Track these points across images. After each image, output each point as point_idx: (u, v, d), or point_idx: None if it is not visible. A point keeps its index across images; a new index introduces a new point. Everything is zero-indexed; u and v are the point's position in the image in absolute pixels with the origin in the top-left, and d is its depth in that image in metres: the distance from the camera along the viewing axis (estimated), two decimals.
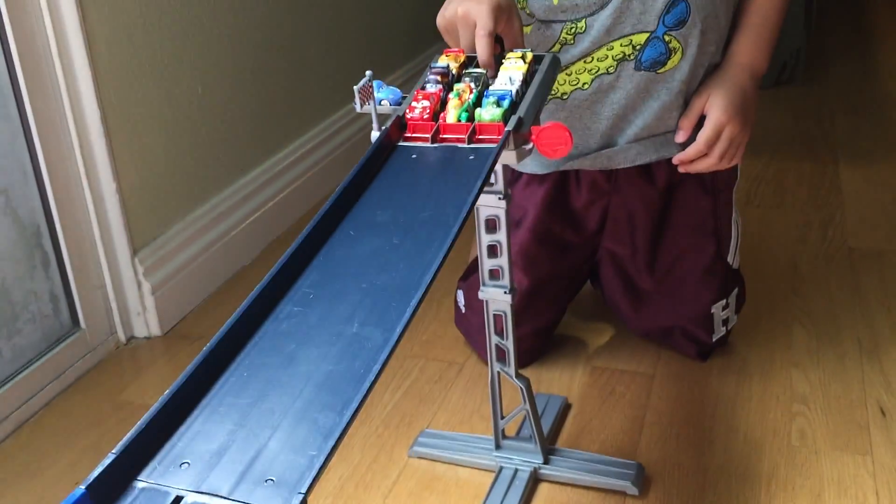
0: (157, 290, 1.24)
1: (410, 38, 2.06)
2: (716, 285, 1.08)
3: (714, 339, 1.10)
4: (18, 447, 1.04)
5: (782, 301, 1.22)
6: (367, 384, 0.50)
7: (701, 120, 1.00)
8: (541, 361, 1.13)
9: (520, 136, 0.73)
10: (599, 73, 0.99)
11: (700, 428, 0.98)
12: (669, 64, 0.99)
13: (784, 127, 1.85)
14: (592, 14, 0.97)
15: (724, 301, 1.09)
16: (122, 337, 1.24)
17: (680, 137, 1.01)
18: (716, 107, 0.98)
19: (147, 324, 1.25)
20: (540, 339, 1.13)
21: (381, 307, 0.57)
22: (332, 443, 0.46)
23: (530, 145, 0.74)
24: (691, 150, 0.99)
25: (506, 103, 0.75)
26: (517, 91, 0.77)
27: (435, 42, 2.16)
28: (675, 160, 1.01)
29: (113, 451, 0.46)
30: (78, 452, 1.03)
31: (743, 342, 1.13)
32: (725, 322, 1.10)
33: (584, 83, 1.00)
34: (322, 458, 0.45)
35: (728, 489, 0.89)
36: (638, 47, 0.98)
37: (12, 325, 1.10)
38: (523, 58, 0.81)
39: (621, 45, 0.98)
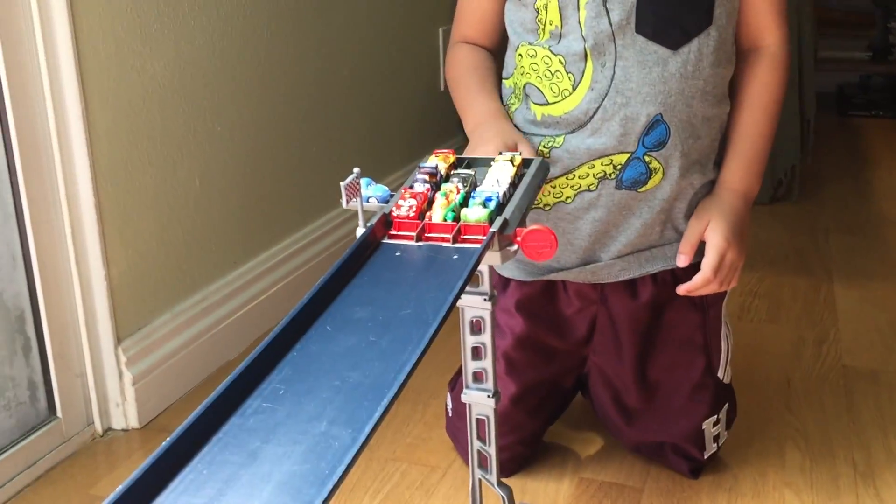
0: (138, 381, 1.22)
1: (412, 140, 2.09)
2: (706, 402, 1.06)
3: (706, 457, 1.07)
4: None
5: (775, 418, 1.20)
6: (330, 486, 0.48)
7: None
8: (527, 470, 1.10)
9: (505, 238, 0.73)
10: (581, 189, 1.00)
11: None
12: (650, 183, 1.00)
13: (779, 242, 1.86)
14: (572, 132, 0.99)
15: (716, 417, 1.06)
16: (98, 428, 1.21)
17: (682, 262, 1.01)
18: (717, 233, 0.99)
19: (125, 415, 1.22)
20: (525, 448, 1.10)
21: (353, 406, 0.56)
22: None
23: (515, 247, 0.73)
24: (699, 280, 0.99)
25: (492, 205, 0.75)
26: (504, 193, 0.77)
27: (434, 144, 2.19)
28: (680, 290, 1.01)
29: None
30: None
31: (735, 459, 1.10)
32: (716, 438, 1.07)
33: (567, 197, 1.01)
34: None
35: None
36: (619, 167, 0.99)
37: None
38: (512, 160, 0.81)
39: (602, 164, 0.99)
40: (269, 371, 0.60)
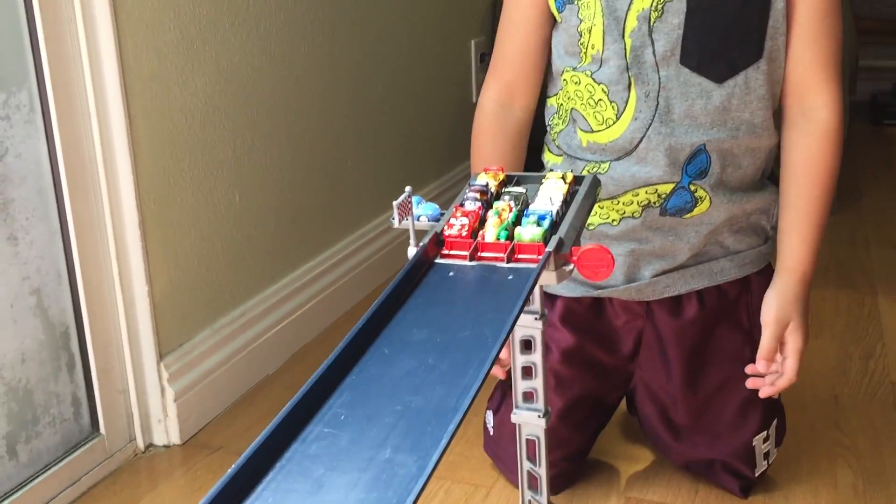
0: (179, 397, 1.22)
1: (444, 153, 2.09)
2: (756, 417, 1.04)
3: (756, 474, 1.05)
4: None
5: (824, 436, 1.17)
6: None
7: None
8: (572, 489, 1.08)
9: (560, 257, 0.72)
10: (625, 215, 0.99)
11: None
12: (696, 211, 0.98)
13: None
14: (618, 159, 0.98)
15: (766, 433, 1.05)
16: (140, 444, 1.21)
17: (762, 368, 0.98)
18: (797, 337, 0.97)
19: (167, 431, 1.22)
20: (572, 464, 1.09)
21: (416, 432, 0.55)
22: None
23: (571, 266, 0.72)
24: (783, 384, 0.97)
25: (546, 223, 0.74)
26: (557, 211, 0.76)
27: (464, 159, 2.19)
28: (762, 394, 0.99)
29: None
30: None
31: (785, 478, 1.08)
32: (767, 455, 1.05)
33: (613, 220, 1.00)
34: None
35: None
36: (663, 195, 0.97)
37: (31, 428, 1.08)
38: (563, 178, 0.80)
39: (646, 193, 0.98)
40: (329, 395, 0.59)
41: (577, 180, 0.81)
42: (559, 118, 1.04)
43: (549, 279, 0.72)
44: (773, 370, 0.98)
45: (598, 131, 0.98)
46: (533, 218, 0.74)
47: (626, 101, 0.96)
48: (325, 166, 1.59)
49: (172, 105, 1.20)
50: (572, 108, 1.00)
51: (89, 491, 1.13)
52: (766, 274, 1.03)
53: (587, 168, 1.00)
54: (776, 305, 0.97)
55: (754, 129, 0.97)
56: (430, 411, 0.57)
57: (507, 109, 1.05)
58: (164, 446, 1.22)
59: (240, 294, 1.38)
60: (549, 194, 0.78)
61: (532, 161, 1.10)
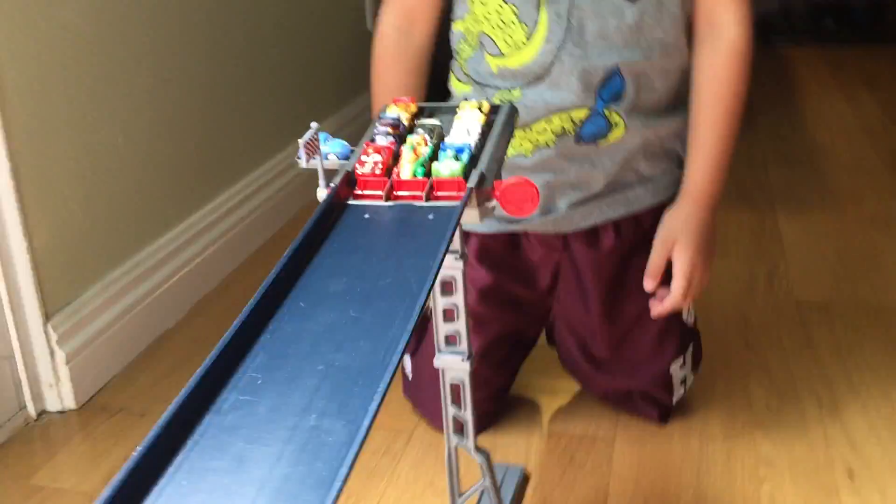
0: (72, 359, 1.13)
1: (342, 85, 2.00)
2: (673, 344, 1.04)
3: (674, 401, 1.05)
4: None
5: (736, 356, 1.19)
6: (335, 492, 0.42)
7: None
8: (495, 427, 1.06)
9: (482, 193, 0.67)
10: (539, 144, 0.95)
11: (667, 498, 0.93)
12: (611, 137, 0.95)
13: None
14: (530, 84, 0.93)
15: (682, 359, 1.05)
16: (32, 412, 1.12)
17: (649, 286, 0.97)
18: (684, 257, 0.95)
19: (61, 396, 1.13)
20: (493, 404, 1.07)
21: (343, 393, 0.50)
22: None
23: (493, 202, 0.68)
24: (668, 306, 0.96)
25: (465, 157, 0.69)
26: (476, 143, 0.71)
27: (364, 90, 2.10)
28: (653, 314, 0.98)
29: None
30: None
31: (701, 401, 1.09)
32: (683, 381, 1.06)
33: (527, 150, 0.96)
34: None
35: None
36: (578, 122, 0.94)
37: None
38: (480, 107, 0.75)
39: (560, 120, 0.94)
40: (242, 358, 0.53)
41: (494, 109, 0.77)
42: (466, 44, 0.98)
43: (471, 217, 0.68)
44: (682, 304, 0.97)
45: (509, 55, 0.94)
46: (451, 152, 0.69)
47: (537, 22, 0.91)
48: (217, 103, 1.49)
49: (39, 41, 1.08)
50: (480, 32, 0.95)
51: None
52: None
53: (498, 96, 0.95)
54: (664, 224, 0.97)
55: (667, 49, 0.94)
56: (357, 369, 0.52)
57: (406, 35, 1.00)
58: (59, 412, 1.14)
59: (131, 245, 1.28)
60: (466, 126, 0.73)
61: (435, 90, 1.05)
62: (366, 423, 0.46)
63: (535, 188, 0.66)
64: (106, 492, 0.42)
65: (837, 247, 1.50)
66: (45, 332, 1.11)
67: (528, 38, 0.92)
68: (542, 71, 0.93)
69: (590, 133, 0.95)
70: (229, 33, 1.52)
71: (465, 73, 0.99)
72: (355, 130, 2.00)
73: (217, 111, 1.49)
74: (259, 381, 0.52)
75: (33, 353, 1.11)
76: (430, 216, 0.66)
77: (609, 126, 0.95)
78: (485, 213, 0.68)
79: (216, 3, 1.47)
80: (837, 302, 1.32)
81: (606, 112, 0.94)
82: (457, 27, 1.00)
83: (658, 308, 0.97)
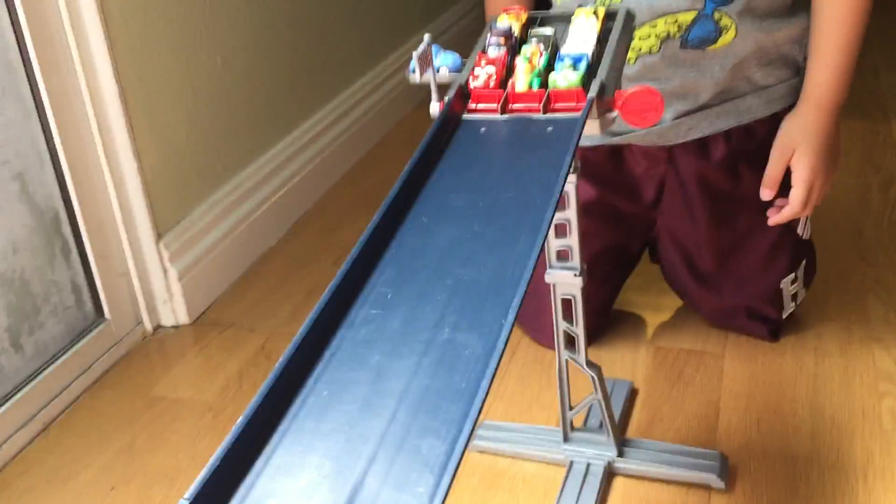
0: (183, 276, 1.17)
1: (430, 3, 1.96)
2: (785, 259, 1.00)
3: (784, 316, 1.02)
4: (46, 450, 0.98)
5: (851, 270, 1.15)
6: (477, 404, 0.43)
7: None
8: (599, 342, 1.06)
9: (603, 104, 0.65)
10: (642, 52, 0.91)
11: (782, 413, 0.91)
12: (720, 42, 0.90)
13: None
14: None
15: (794, 274, 1.01)
16: (148, 327, 1.17)
17: (766, 196, 0.93)
18: (803, 165, 0.91)
19: (174, 312, 1.18)
20: (598, 319, 1.06)
21: (474, 308, 0.50)
22: (446, 479, 0.39)
23: (615, 113, 0.66)
24: (788, 213, 0.93)
25: (582, 66, 0.66)
26: (593, 52, 0.69)
27: (451, 4, 2.06)
28: (770, 222, 0.95)
29: (185, 497, 0.38)
30: (111, 454, 0.96)
31: (815, 317, 1.06)
32: (795, 297, 1.03)
33: (629, 58, 0.92)
34: (435, 499, 0.38)
35: (822, 481, 0.82)
36: (684, 26, 0.89)
37: (34, 318, 1.03)
38: (595, 14, 0.72)
39: (665, 24, 0.89)
40: (370, 273, 0.54)
41: (610, 16, 0.73)
42: None
43: (592, 128, 0.65)
44: (801, 213, 0.94)
45: None
46: (568, 62, 0.67)
47: None
48: (309, 22, 1.48)
49: None
50: None
51: (101, 378, 1.09)
52: None
53: (599, 0, 0.91)
54: (782, 131, 0.93)
55: None
56: (485, 284, 0.52)
57: None
58: (174, 327, 1.18)
59: (232, 165, 1.30)
60: (582, 34, 0.71)
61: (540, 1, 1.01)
62: (503, 335, 0.46)
63: (660, 96, 0.64)
64: (254, 401, 0.43)
65: None
66: (158, 251, 1.14)
67: None
68: None
69: (697, 37, 0.90)
70: None
71: None
72: (454, 37, 1.97)
73: (309, 31, 1.48)
74: (389, 296, 0.52)
75: (147, 271, 1.15)
76: (549, 129, 0.64)
77: (718, 30, 0.90)
78: (605, 125, 0.65)
79: None
80: None
81: (716, 14, 0.89)
82: None
83: (776, 217, 0.94)
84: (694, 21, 0.90)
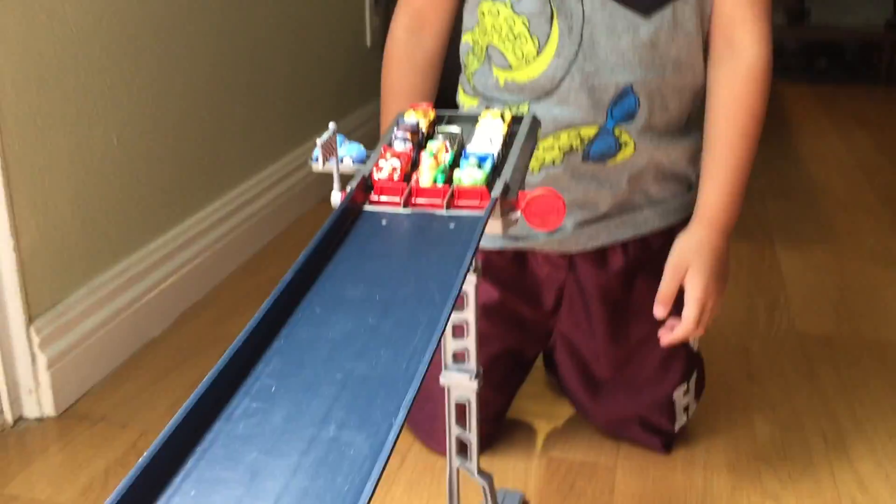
0: (53, 364, 1.09)
1: (339, 99, 1.98)
2: (678, 370, 1.01)
3: (677, 429, 1.02)
4: None
5: (738, 387, 1.17)
6: None
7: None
8: (492, 449, 1.03)
9: (506, 204, 0.64)
10: (546, 163, 0.93)
11: None
12: (620, 157, 0.93)
13: (737, 204, 1.84)
14: (536, 100, 0.91)
15: (686, 385, 1.02)
16: (9, 418, 1.07)
17: (659, 314, 0.93)
18: (696, 284, 0.91)
19: (40, 402, 1.09)
20: (490, 426, 1.03)
21: (363, 404, 0.47)
22: None
23: (517, 214, 0.65)
24: (680, 334, 0.92)
25: (487, 165, 0.66)
26: (499, 153, 0.69)
27: (359, 105, 2.08)
28: (663, 343, 0.94)
29: None
30: None
31: (705, 432, 1.06)
32: (686, 409, 1.03)
33: (533, 168, 0.93)
34: None
35: None
36: (587, 139, 0.91)
37: None
38: (502, 116, 0.73)
39: (569, 136, 0.92)
40: (255, 363, 0.50)
41: (516, 120, 0.74)
42: (474, 56, 0.96)
43: (493, 228, 0.64)
44: (694, 332, 0.95)
45: (517, 68, 0.91)
46: (473, 160, 0.67)
47: (548, 36, 0.89)
48: (212, 108, 1.46)
49: (39, 36, 1.05)
50: (488, 44, 0.93)
51: None
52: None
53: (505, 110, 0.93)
54: (676, 250, 0.94)
55: (682, 68, 0.92)
56: (377, 379, 0.49)
57: (416, 37, 0.99)
58: (37, 419, 1.09)
59: (120, 248, 1.24)
60: (488, 134, 0.71)
61: (444, 105, 1.02)
62: (391, 436, 0.43)
63: (562, 200, 0.64)
64: (112, 498, 0.38)
65: (837, 281, 1.49)
66: (28, 335, 1.07)
67: (538, 53, 0.90)
68: (551, 86, 0.90)
69: (598, 151, 0.93)
70: (230, 40, 1.49)
71: (473, 87, 0.97)
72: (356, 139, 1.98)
73: (213, 117, 1.46)
74: (273, 388, 0.48)
75: (13, 357, 1.07)
76: (452, 225, 0.63)
77: (618, 145, 0.93)
78: (508, 225, 0.65)
79: (217, 8, 1.44)
80: (839, 336, 1.30)
81: (616, 131, 0.92)
82: (465, 38, 0.98)
83: (668, 337, 0.94)
84: (595, 136, 0.92)
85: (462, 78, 1.00)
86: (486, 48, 0.94)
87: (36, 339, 1.07)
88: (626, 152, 0.93)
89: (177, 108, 1.35)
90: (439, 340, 0.50)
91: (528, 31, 0.90)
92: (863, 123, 2.49)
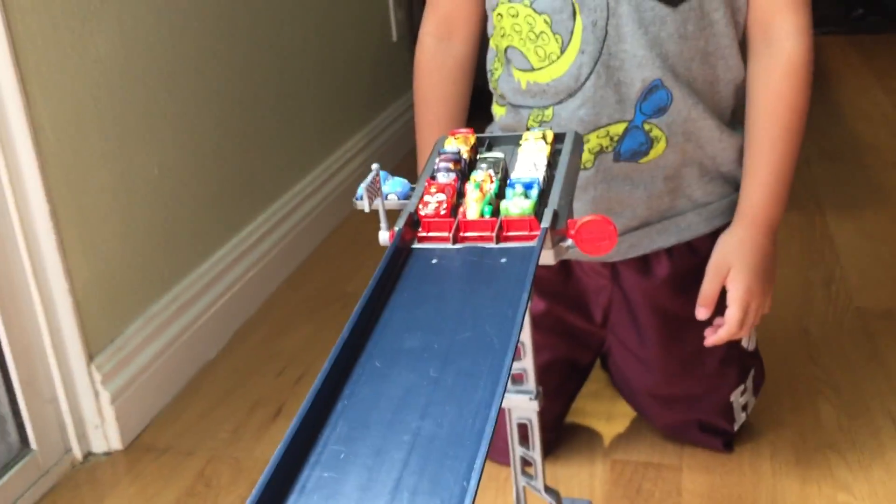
0: (116, 399, 1.11)
1: (369, 98, 1.97)
2: (734, 374, 0.99)
3: (736, 428, 1.01)
4: None
5: (800, 371, 1.15)
6: None
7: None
8: (554, 455, 1.03)
9: (556, 233, 0.63)
10: None
11: None
12: (652, 154, 0.90)
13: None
14: (560, 102, 0.88)
15: (743, 386, 1.00)
16: (78, 455, 1.10)
17: (701, 315, 0.91)
18: (739, 284, 0.89)
19: (106, 437, 1.11)
20: (549, 433, 1.03)
21: (434, 466, 0.47)
22: None
23: (569, 242, 0.64)
24: (724, 335, 0.90)
25: (534, 193, 0.65)
26: (544, 177, 0.68)
27: (391, 101, 2.07)
28: (707, 343, 0.92)
29: None
30: None
31: (768, 422, 1.05)
32: (745, 407, 1.01)
33: None
34: None
35: None
36: (615, 138, 0.88)
37: None
38: (544, 137, 0.72)
39: (598, 138, 0.89)
40: (321, 429, 0.50)
41: (559, 138, 0.73)
42: (498, 61, 0.94)
43: (546, 258, 0.64)
44: (737, 335, 0.92)
45: (540, 69, 0.88)
46: (519, 188, 0.66)
47: (572, 32, 0.86)
48: (247, 125, 1.46)
49: (73, 75, 1.06)
50: (508, 47, 0.90)
51: None
52: None
53: (532, 117, 0.91)
54: (717, 249, 0.91)
55: (712, 61, 0.89)
56: (445, 438, 0.48)
57: (445, 44, 0.97)
58: (105, 454, 1.11)
59: (170, 276, 1.26)
60: (532, 158, 0.70)
61: (481, 115, 1.01)
62: (466, 502, 0.43)
63: (613, 225, 0.62)
64: None
65: (893, 249, 1.45)
66: (89, 373, 1.09)
67: (561, 51, 0.87)
68: (575, 85, 0.87)
69: (629, 149, 0.89)
70: (259, 54, 1.49)
71: (500, 95, 0.95)
72: (385, 146, 1.97)
73: (249, 134, 1.47)
74: (342, 455, 0.48)
75: (77, 395, 1.09)
76: (503, 260, 0.62)
77: (649, 142, 0.89)
78: (560, 254, 0.64)
79: (245, 24, 1.44)
80: None
81: (646, 126, 0.89)
82: (491, 45, 0.96)
83: (713, 338, 0.92)
84: (625, 133, 0.89)
85: (492, 87, 0.99)
86: (506, 51, 0.92)
87: (98, 376, 1.09)
88: (659, 148, 0.90)
89: (213, 130, 1.36)
90: (504, 391, 0.50)
91: (551, 28, 0.87)
92: None
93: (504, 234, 0.64)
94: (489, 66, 0.97)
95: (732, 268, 0.90)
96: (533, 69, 0.89)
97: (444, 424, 0.49)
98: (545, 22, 0.87)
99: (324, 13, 1.74)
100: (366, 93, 1.96)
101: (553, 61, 0.88)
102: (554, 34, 0.87)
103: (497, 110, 0.98)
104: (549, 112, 0.89)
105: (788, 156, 0.90)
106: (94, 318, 1.10)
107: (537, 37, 0.88)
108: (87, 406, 1.09)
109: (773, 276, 0.93)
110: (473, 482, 0.44)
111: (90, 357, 1.09)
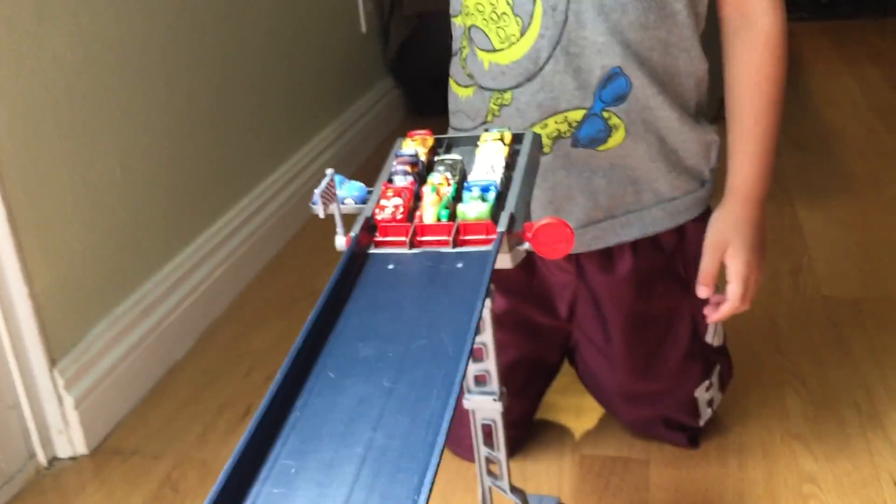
0: (80, 403, 1.09)
1: (338, 92, 1.96)
2: (697, 369, 0.99)
3: (701, 424, 1.01)
4: None
5: (768, 362, 1.15)
6: None
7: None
8: (523, 453, 1.03)
9: (513, 236, 0.63)
10: None
11: None
12: (611, 142, 0.89)
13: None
14: (519, 86, 0.88)
15: (707, 381, 1.00)
16: (43, 460, 1.08)
17: (703, 294, 0.92)
18: (738, 260, 0.90)
19: (71, 442, 1.10)
20: (518, 430, 1.03)
21: (385, 482, 0.46)
22: None
23: (525, 245, 0.64)
24: (726, 311, 0.92)
25: (490, 197, 0.65)
26: (501, 179, 0.67)
27: (359, 96, 2.06)
28: (710, 320, 0.94)
29: None
30: None
31: (736, 416, 1.05)
32: (710, 402, 1.01)
33: None
34: None
35: None
36: (574, 124, 0.88)
37: None
38: (502, 138, 0.71)
39: (556, 123, 0.88)
40: (273, 441, 0.50)
41: (517, 139, 0.72)
42: (465, 39, 0.93)
43: (503, 262, 0.63)
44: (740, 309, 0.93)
45: (500, 50, 0.88)
46: (476, 191, 0.65)
47: (532, 15, 0.86)
48: (212, 122, 1.44)
49: (28, 76, 1.04)
50: (472, 25, 0.90)
51: None
52: (703, 220, 0.96)
53: (492, 99, 0.90)
54: (713, 228, 0.93)
55: (673, 51, 0.88)
56: (397, 450, 0.48)
57: None
58: (71, 458, 1.10)
59: (134, 277, 1.24)
60: (489, 160, 0.69)
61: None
62: None
63: (570, 228, 0.62)
64: None
65: (861, 237, 1.46)
66: (52, 378, 1.07)
67: (521, 33, 0.86)
68: (535, 68, 0.87)
69: (587, 136, 0.89)
70: (225, 49, 1.47)
71: (468, 74, 0.94)
72: (358, 133, 1.96)
73: (215, 130, 1.45)
74: (293, 470, 0.48)
75: (40, 400, 1.07)
76: (459, 264, 0.62)
77: (608, 129, 0.89)
78: (517, 258, 0.63)
79: (206, 18, 1.42)
80: (866, 299, 1.28)
81: (605, 114, 0.88)
82: (456, 23, 0.94)
83: (715, 315, 0.93)
84: (583, 119, 0.88)
85: (455, 67, 0.97)
86: (469, 29, 0.91)
87: (60, 381, 1.08)
88: (618, 137, 0.89)
89: (177, 126, 1.34)
90: (456, 402, 0.49)
91: (512, 10, 0.86)
92: (876, 61, 2.43)
93: (461, 238, 0.63)
94: (456, 46, 0.96)
95: (731, 245, 0.91)
96: (494, 50, 0.88)
97: (396, 436, 0.49)
98: (507, 3, 0.86)
99: (292, 4, 1.72)
100: (336, 85, 1.94)
101: (513, 43, 0.87)
102: (515, 16, 0.86)
103: (460, 91, 0.96)
104: (507, 95, 0.89)
105: (773, 128, 0.92)
106: (55, 321, 1.08)
107: (499, 17, 0.87)
108: (51, 411, 1.08)
109: (766, 248, 0.94)
110: (423, 497, 0.44)
111: (53, 361, 1.07)
